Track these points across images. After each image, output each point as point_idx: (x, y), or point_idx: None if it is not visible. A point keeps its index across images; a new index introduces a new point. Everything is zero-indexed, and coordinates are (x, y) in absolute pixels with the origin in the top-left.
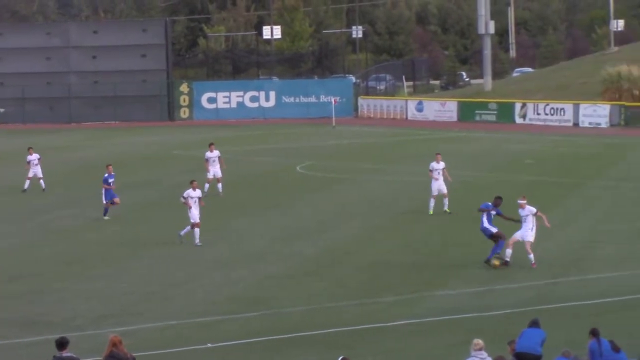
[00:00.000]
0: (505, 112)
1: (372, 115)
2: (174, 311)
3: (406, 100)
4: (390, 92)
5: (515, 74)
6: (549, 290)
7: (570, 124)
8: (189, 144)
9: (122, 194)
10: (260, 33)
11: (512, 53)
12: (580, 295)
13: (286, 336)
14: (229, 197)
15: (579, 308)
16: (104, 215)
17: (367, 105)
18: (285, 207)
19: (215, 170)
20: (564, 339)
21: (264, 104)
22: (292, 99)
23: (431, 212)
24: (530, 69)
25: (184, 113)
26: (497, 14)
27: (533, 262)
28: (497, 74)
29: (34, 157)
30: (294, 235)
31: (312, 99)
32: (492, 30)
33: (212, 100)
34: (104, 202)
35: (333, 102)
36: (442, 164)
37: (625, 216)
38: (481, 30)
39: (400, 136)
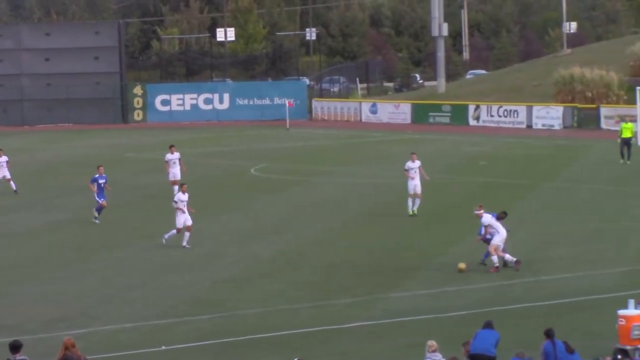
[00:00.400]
0: (459, 114)
1: (326, 118)
2: (129, 314)
3: (360, 102)
4: (344, 95)
5: (468, 76)
6: (503, 291)
7: (524, 125)
8: (142, 146)
9: (76, 196)
10: (213, 35)
11: (466, 55)
12: (534, 296)
13: (241, 338)
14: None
15: (533, 309)
16: (98, 214)
17: (321, 107)
18: (240, 209)
19: (175, 172)
20: (518, 340)
21: (218, 106)
22: (246, 101)
23: (411, 212)
24: (483, 71)
25: (138, 115)
26: (451, 16)
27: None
28: (450, 76)
29: (2, 159)
30: (249, 238)
31: (266, 101)
32: (445, 32)
33: (165, 102)
34: (99, 201)
35: (287, 105)
36: (417, 163)
37: (579, 217)
38: (435, 32)
39: (354, 138)
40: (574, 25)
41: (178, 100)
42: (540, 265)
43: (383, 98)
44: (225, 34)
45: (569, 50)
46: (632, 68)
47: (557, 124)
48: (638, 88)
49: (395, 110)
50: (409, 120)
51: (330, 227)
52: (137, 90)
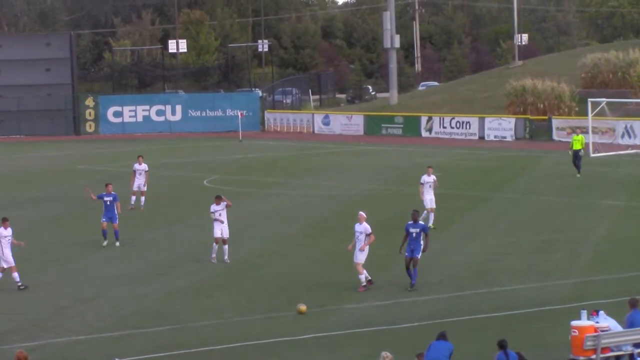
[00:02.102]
0: (412, 126)
1: (278, 129)
2: (82, 326)
3: (312, 114)
4: (297, 106)
5: (421, 88)
6: (457, 302)
7: (476, 137)
8: (94, 158)
9: (27, 208)
10: (165, 47)
11: (418, 67)
12: (488, 307)
13: (194, 350)
14: (135, 211)
15: (486, 320)
16: (104, 237)
17: (274, 119)
18: (193, 221)
19: (140, 182)
20: (471, 352)
21: (170, 118)
22: (198, 113)
23: (432, 226)
24: (435, 83)
25: (90, 127)
26: (403, 28)
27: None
28: (402, 88)
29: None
30: (201, 250)
31: (219, 113)
32: (397, 44)
33: (118, 114)
34: (102, 221)
35: (239, 116)
36: (433, 177)
37: (531, 228)
38: (387, 44)
39: (306, 150)
40: (525, 37)
41: (130, 112)
42: (493, 276)
43: (335, 110)
44: (177, 46)
45: (520, 62)
46: (583, 80)
47: (509, 136)
48: (589, 100)
49: (347, 122)
50: (361, 132)
51: (282, 238)
52: (89, 102)
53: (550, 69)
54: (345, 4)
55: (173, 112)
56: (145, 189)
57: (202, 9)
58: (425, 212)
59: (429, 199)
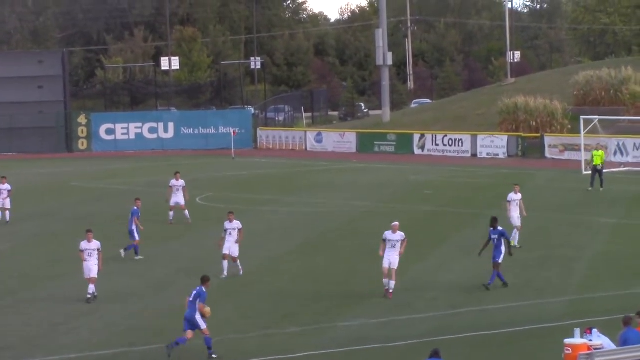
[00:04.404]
0: (404, 143)
1: (271, 147)
2: (75, 343)
3: (305, 131)
4: (289, 124)
5: (413, 105)
6: (451, 320)
7: (469, 154)
8: (87, 175)
9: (21, 225)
10: (158, 64)
11: (410, 84)
12: (482, 325)
13: None
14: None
15: (480, 338)
16: (136, 252)
17: (267, 136)
18: (187, 238)
19: (178, 199)
20: None
21: (163, 135)
22: (191, 130)
23: (518, 245)
24: (428, 100)
25: (82, 144)
26: (395, 45)
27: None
28: (395, 105)
29: (5, 186)
30: (196, 267)
31: (211, 130)
32: (390, 61)
33: (110, 131)
34: (137, 238)
35: (232, 134)
36: (519, 195)
37: (524, 245)
38: (379, 61)
39: (299, 167)
40: (517, 54)
41: (123, 130)
42: (487, 293)
43: (328, 127)
44: (170, 63)
45: (512, 80)
46: (575, 97)
47: (501, 153)
48: (582, 117)
49: (340, 139)
50: (354, 149)
51: (276, 255)
52: (82, 119)
53: (543, 87)
54: (337, 22)
55: (165, 130)
56: (183, 203)
57: (194, 26)
58: (515, 230)
59: (516, 216)
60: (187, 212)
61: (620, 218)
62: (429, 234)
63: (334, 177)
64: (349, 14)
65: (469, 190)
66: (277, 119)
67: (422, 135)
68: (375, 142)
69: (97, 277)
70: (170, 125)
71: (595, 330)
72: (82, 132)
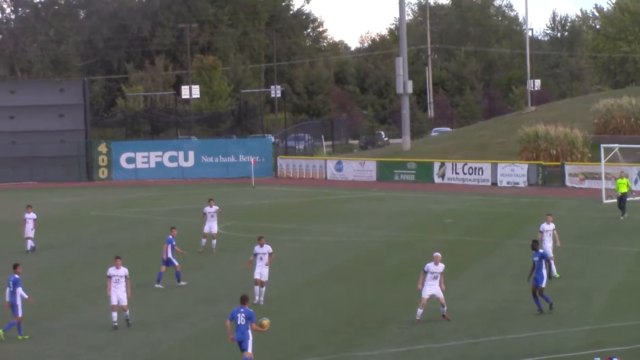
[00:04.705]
0: (424, 172)
1: (291, 175)
2: None
3: (325, 160)
4: (310, 152)
5: (433, 134)
6: (470, 350)
7: (489, 183)
8: (107, 204)
9: (41, 255)
10: (178, 92)
11: (430, 112)
12: (501, 354)
13: None
14: (149, 258)
15: None
16: (158, 281)
17: (287, 165)
18: (207, 267)
19: (211, 225)
20: None
21: (183, 164)
22: (211, 159)
23: (557, 275)
24: (448, 129)
25: (103, 173)
26: (415, 73)
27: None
28: (415, 134)
29: (31, 215)
30: (216, 296)
31: (232, 159)
32: (410, 89)
33: (130, 160)
34: (176, 263)
35: (252, 162)
36: (552, 225)
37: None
38: (400, 89)
39: (319, 196)
40: (538, 82)
41: (143, 158)
42: (506, 323)
43: (348, 155)
44: (190, 92)
45: (533, 108)
46: (596, 125)
47: (521, 182)
48: (602, 145)
49: (360, 168)
50: (374, 178)
51: (295, 284)
52: (102, 147)
53: (563, 115)
54: (357, 50)
55: (186, 158)
56: (216, 231)
57: (215, 55)
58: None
59: (549, 247)
60: (215, 241)
61: None
62: (449, 263)
63: (354, 205)
64: (369, 42)
65: (489, 219)
66: (297, 147)
67: (442, 164)
68: (395, 171)
69: (127, 303)
70: (191, 153)
71: None
72: (103, 161)
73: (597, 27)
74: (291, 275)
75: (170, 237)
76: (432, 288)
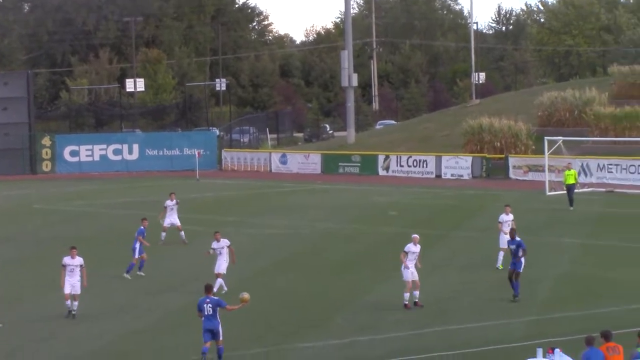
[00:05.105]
0: (369, 164)
1: (236, 168)
2: None
3: (270, 152)
4: (254, 145)
5: (378, 126)
6: (413, 341)
7: (433, 175)
8: (51, 197)
9: None
10: (123, 86)
11: (375, 105)
12: (445, 345)
13: None
14: (93, 251)
15: (443, 358)
16: (128, 272)
17: (231, 157)
18: (151, 260)
19: (172, 219)
20: None
21: (128, 157)
22: (155, 152)
23: (501, 267)
24: (393, 122)
25: (47, 166)
26: (360, 66)
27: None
28: (360, 127)
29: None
30: (160, 288)
31: (176, 152)
32: (355, 83)
33: (74, 153)
34: (136, 256)
35: (197, 155)
36: (511, 216)
37: (488, 266)
38: (345, 83)
39: (264, 189)
40: (482, 75)
41: (87, 151)
42: (450, 314)
43: (293, 148)
44: (135, 85)
45: (477, 101)
46: (540, 118)
47: (466, 174)
48: (546, 138)
49: (305, 161)
50: (319, 171)
51: (241, 277)
52: (46, 141)
53: (507, 108)
54: (303, 43)
55: (130, 151)
56: (179, 223)
57: (159, 48)
58: (501, 252)
59: (507, 239)
60: (183, 232)
61: (584, 238)
62: (393, 256)
63: (298, 198)
64: (315, 35)
65: (434, 212)
66: (242, 140)
67: (387, 157)
68: (340, 164)
69: (79, 293)
70: (135, 146)
71: (557, 350)
72: (47, 154)
73: (542, 20)
74: (237, 267)
75: (142, 227)
76: (412, 271)
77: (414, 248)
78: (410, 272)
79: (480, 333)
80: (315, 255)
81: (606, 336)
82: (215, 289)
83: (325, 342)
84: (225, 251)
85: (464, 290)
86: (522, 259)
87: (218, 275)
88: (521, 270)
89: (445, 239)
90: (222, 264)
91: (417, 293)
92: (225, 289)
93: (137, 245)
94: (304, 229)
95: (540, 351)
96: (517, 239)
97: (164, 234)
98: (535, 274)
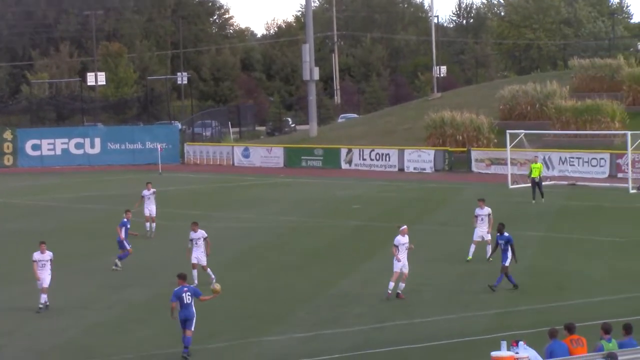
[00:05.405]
0: (331, 158)
1: (198, 162)
2: None
3: (232, 146)
4: (217, 139)
5: (340, 120)
6: (376, 334)
7: (396, 169)
8: (12, 191)
9: None
10: (84, 79)
11: (337, 99)
12: (408, 338)
13: None
14: (53, 245)
15: (406, 352)
16: (119, 260)
17: (194, 151)
18: (113, 254)
19: (150, 208)
20: None
21: (89, 151)
22: (117, 146)
23: (469, 258)
24: (355, 115)
25: (8, 160)
26: (322, 60)
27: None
28: (322, 120)
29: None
30: (121, 283)
31: (138, 146)
32: (316, 76)
33: (36, 147)
34: (128, 247)
35: (159, 149)
36: (486, 210)
37: (450, 260)
38: (306, 76)
39: (226, 182)
40: (443, 69)
41: (49, 145)
42: (413, 307)
43: (255, 142)
44: (96, 78)
45: (439, 94)
46: (501, 111)
47: (428, 167)
48: (508, 131)
49: (267, 154)
50: (281, 164)
51: (202, 271)
52: (7, 135)
53: (469, 101)
54: (264, 37)
55: (92, 145)
56: (155, 214)
57: (120, 42)
58: (473, 245)
59: (485, 230)
60: (154, 224)
61: (546, 231)
62: (356, 249)
63: (261, 192)
64: (276, 29)
65: (396, 205)
66: (204, 134)
67: (349, 150)
68: (303, 157)
69: (48, 286)
70: (97, 140)
71: (521, 343)
72: (8, 148)
73: (502, 14)
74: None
75: (125, 219)
76: (404, 263)
77: (402, 240)
78: (402, 264)
79: (444, 326)
80: (278, 249)
81: (570, 329)
82: (195, 281)
83: (289, 335)
84: (202, 242)
85: (426, 284)
86: (509, 254)
87: (194, 266)
88: (507, 264)
89: (408, 232)
90: (200, 256)
91: (402, 285)
92: (196, 282)
93: (124, 237)
94: (267, 222)
95: (504, 344)
96: (506, 234)
97: (147, 224)
98: (497, 268)
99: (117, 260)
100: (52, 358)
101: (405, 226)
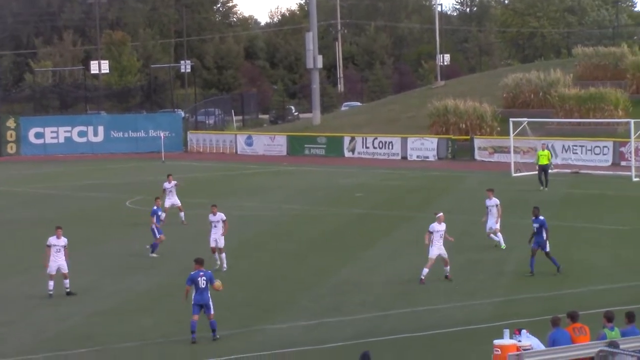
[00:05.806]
0: (335, 146)
1: (201, 150)
2: (4, 350)
3: (235, 134)
4: (220, 127)
5: (343, 108)
6: (380, 322)
7: (399, 157)
8: (16, 180)
9: None
10: (87, 68)
11: (341, 87)
12: (411, 327)
13: None
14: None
15: (409, 340)
16: (152, 252)
17: (197, 139)
18: (116, 242)
19: (173, 200)
20: None
21: (93, 139)
22: (120, 134)
23: (504, 246)
24: (358, 103)
25: (11, 148)
26: (325, 48)
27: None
28: (325, 108)
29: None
30: (125, 271)
31: (141, 134)
32: (320, 64)
33: (39, 135)
34: (157, 236)
35: (162, 137)
36: (494, 201)
37: (454, 248)
38: (309, 64)
39: (229, 171)
40: (447, 57)
41: (52, 133)
42: (416, 295)
43: (258, 130)
44: (99, 67)
45: (442, 82)
46: (505, 100)
47: (431, 156)
48: (511, 120)
49: (270, 142)
50: (284, 152)
51: (205, 259)
52: (10, 123)
53: (472, 89)
54: (267, 25)
55: (95, 133)
56: (180, 204)
57: (124, 30)
58: (498, 234)
59: (493, 221)
60: (183, 213)
61: (549, 219)
62: (359, 237)
63: (264, 180)
64: (279, 17)
65: (399, 193)
66: (207, 122)
67: (353, 138)
68: (306, 145)
69: (67, 271)
70: (100, 128)
71: (524, 331)
72: (11, 136)
73: (506, 2)
74: (201, 249)
75: (155, 207)
76: (439, 248)
77: (438, 227)
78: (437, 248)
79: (446, 315)
80: (281, 237)
81: (572, 317)
82: (218, 264)
83: (292, 323)
84: (220, 225)
85: (429, 272)
86: (544, 237)
87: (213, 250)
88: (548, 250)
89: (411, 221)
90: (218, 238)
91: (447, 268)
92: (218, 265)
93: (154, 226)
94: (270, 210)
95: (507, 332)
96: (541, 217)
97: (164, 214)
98: (501, 256)
99: (150, 251)
100: (53, 346)
101: (441, 213)
